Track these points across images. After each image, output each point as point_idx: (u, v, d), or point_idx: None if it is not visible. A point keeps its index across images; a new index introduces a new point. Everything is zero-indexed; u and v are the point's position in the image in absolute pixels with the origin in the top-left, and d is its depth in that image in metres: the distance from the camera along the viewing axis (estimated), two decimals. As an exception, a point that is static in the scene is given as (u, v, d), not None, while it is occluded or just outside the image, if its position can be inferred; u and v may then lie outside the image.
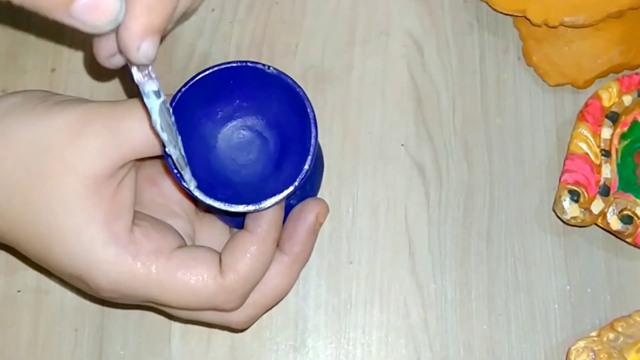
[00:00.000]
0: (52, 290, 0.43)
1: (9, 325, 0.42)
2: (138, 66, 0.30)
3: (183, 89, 0.34)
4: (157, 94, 0.31)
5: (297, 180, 0.34)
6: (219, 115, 0.38)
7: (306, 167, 0.35)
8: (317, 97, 0.46)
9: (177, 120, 0.33)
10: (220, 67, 0.35)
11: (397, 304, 0.43)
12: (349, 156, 0.45)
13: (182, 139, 0.33)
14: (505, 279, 0.44)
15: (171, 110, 0.33)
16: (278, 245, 0.37)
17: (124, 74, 0.42)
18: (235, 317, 0.37)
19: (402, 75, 0.46)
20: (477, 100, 0.46)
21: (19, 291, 0.43)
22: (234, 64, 0.35)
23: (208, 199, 0.34)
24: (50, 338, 0.42)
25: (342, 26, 0.47)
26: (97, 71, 0.43)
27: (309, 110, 0.35)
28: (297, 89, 0.35)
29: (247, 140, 0.38)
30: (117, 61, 0.33)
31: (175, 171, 0.34)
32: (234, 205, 0.34)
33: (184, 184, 0.34)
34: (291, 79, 0.35)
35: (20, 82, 0.45)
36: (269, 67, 0.35)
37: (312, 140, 0.35)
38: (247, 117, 0.38)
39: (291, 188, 0.34)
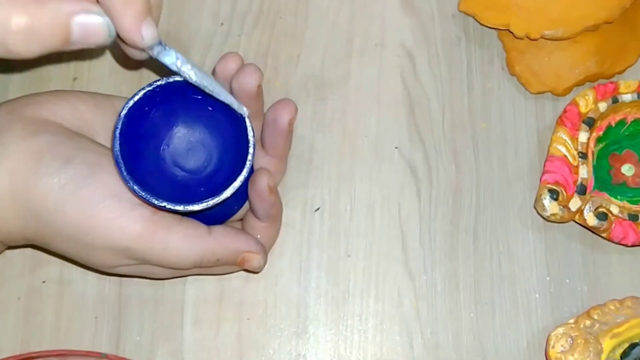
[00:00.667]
0: (75, 281, 0.43)
1: (35, 313, 0.42)
2: (152, 48, 0.32)
3: (135, 99, 0.36)
4: (174, 59, 0.33)
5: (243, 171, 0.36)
6: (169, 125, 0.39)
7: (250, 155, 0.36)
8: (317, 104, 0.46)
9: (134, 123, 0.36)
10: (171, 80, 0.36)
11: (391, 294, 0.43)
12: (347, 158, 0.45)
13: (136, 146, 0.36)
14: (491, 272, 0.44)
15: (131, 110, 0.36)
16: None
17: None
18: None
19: (396, 83, 0.47)
20: (464, 107, 0.46)
21: (43, 282, 0.43)
22: (179, 81, 0.36)
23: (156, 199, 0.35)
24: (73, 325, 0.42)
25: (341, 38, 0.47)
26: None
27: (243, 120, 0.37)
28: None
29: (192, 147, 0.40)
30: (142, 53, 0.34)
31: (125, 174, 0.35)
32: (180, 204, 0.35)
33: (132, 186, 0.35)
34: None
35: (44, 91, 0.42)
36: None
37: (251, 140, 0.36)
38: (193, 126, 0.39)
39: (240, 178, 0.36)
